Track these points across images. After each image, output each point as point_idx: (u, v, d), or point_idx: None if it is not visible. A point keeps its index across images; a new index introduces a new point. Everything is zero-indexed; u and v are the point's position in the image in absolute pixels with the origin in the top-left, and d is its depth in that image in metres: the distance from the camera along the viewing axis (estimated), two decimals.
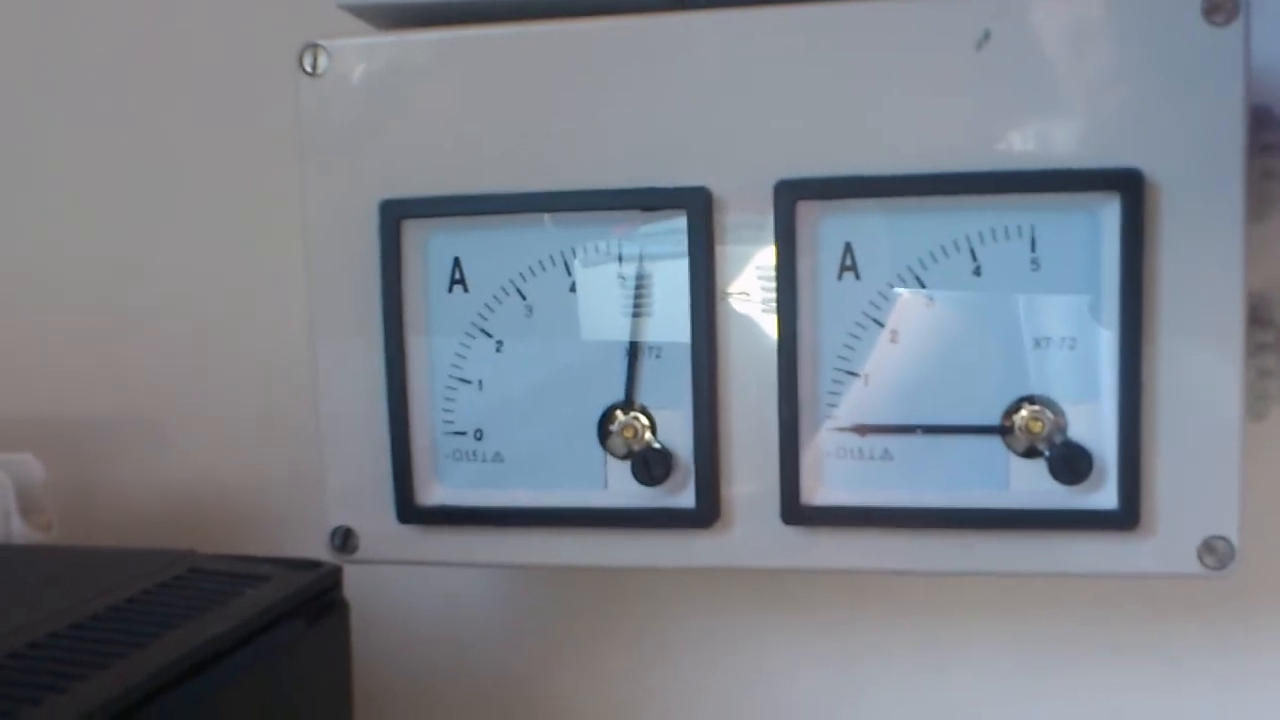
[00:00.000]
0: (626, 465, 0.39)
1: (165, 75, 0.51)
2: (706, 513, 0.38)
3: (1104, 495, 0.36)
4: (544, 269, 0.39)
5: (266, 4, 0.49)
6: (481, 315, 0.40)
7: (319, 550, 0.41)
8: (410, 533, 0.40)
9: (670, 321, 0.38)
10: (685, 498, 0.39)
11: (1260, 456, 0.42)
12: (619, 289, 0.39)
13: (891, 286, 0.37)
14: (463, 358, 0.40)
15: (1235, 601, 0.45)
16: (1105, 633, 0.46)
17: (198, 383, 0.52)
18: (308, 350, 0.41)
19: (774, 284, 0.37)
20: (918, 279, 0.37)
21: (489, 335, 0.40)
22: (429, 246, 0.40)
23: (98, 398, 0.53)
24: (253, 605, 0.35)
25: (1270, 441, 0.43)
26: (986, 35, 0.36)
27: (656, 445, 0.39)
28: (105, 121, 0.52)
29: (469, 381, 0.40)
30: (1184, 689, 0.46)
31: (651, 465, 0.38)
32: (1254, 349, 0.40)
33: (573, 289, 0.39)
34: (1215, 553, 0.36)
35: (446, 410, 0.40)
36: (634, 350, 0.39)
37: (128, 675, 0.30)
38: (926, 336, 0.37)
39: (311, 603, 0.37)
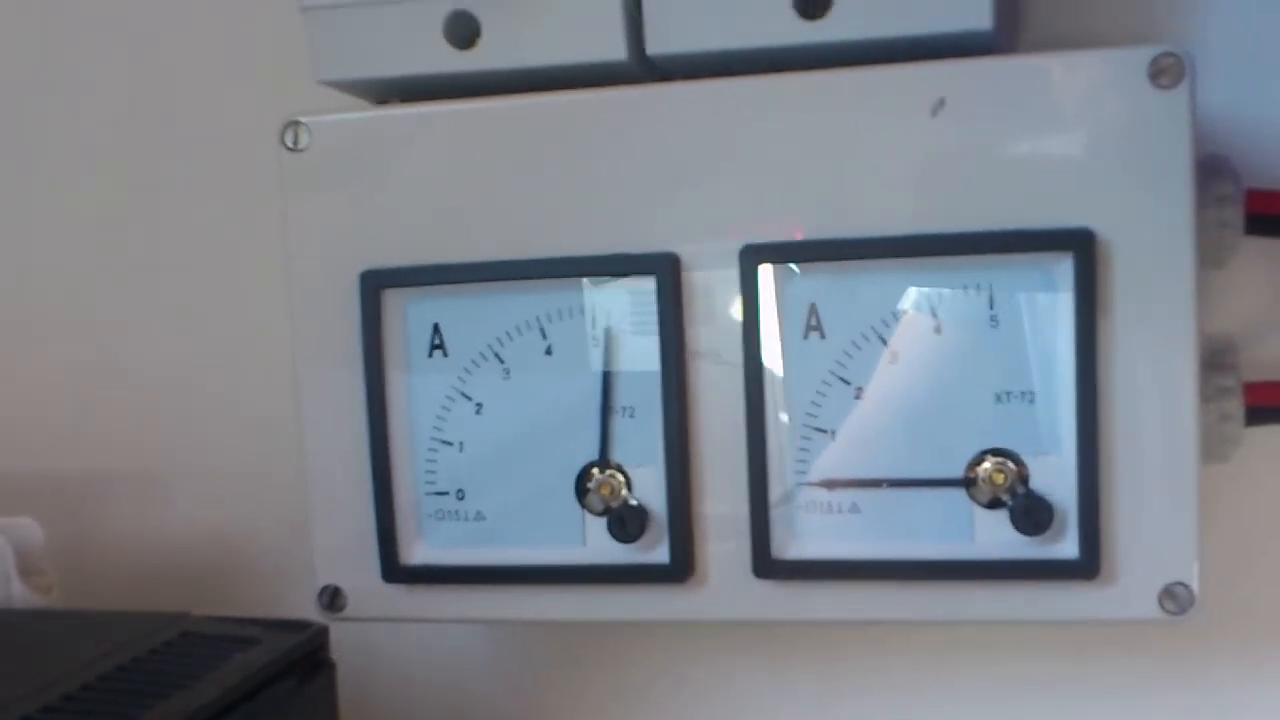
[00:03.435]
0: (604, 522, 0.40)
1: (159, 143, 0.53)
2: (680, 568, 0.39)
3: (1065, 545, 0.37)
4: (520, 333, 0.40)
5: (255, 80, 0.51)
6: (461, 379, 0.41)
7: (311, 602, 0.42)
8: (396, 591, 0.42)
9: (642, 382, 0.39)
10: (660, 553, 0.40)
11: (1225, 497, 0.44)
12: (592, 350, 0.40)
13: (856, 345, 0.38)
14: (443, 420, 0.41)
15: (1206, 642, 0.46)
16: (1082, 675, 0.47)
17: (191, 439, 0.53)
18: (295, 409, 0.42)
19: (742, 344, 0.38)
20: (881, 337, 0.38)
21: (468, 398, 0.41)
22: (409, 313, 0.41)
23: (91, 454, 0.54)
24: (241, 670, 0.36)
25: (1234, 483, 0.44)
26: (941, 102, 0.37)
27: (632, 502, 0.40)
28: (99, 187, 0.53)
29: (450, 443, 0.41)
30: None
31: (627, 522, 0.39)
32: (1216, 393, 0.41)
33: (548, 352, 0.40)
34: (1176, 599, 0.37)
35: (429, 471, 0.41)
36: (607, 410, 0.40)
37: None
38: (891, 393, 0.38)
39: (299, 663, 0.39)
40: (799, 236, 0.38)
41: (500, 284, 0.40)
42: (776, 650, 0.49)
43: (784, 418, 0.39)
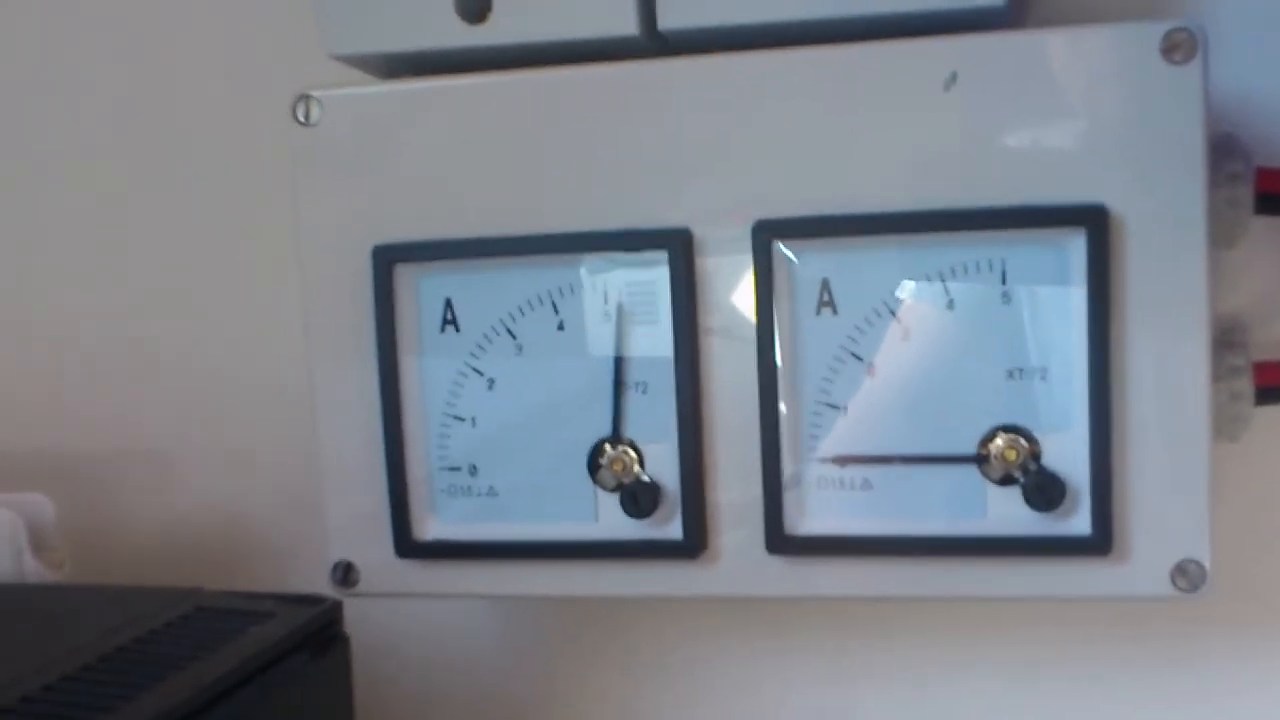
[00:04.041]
0: (617, 498, 0.40)
1: (167, 121, 0.53)
2: (694, 544, 0.39)
3: (1078, 521, 0.37)
4: (532, 308, 0.40)
5: (265, 55, 0.51)
6: (473, 354, 0.41)
7: (322, 576, 0.42)
8: (409, 566, 0.42)
9: (655, 357, 0.40)
10: (673, 529, 0.40)
11: (1237, 475, 0.44)
12: (604, 326, 0.40)
13: (868, 321, 0.38)
14: (456, 396, 0.41)
15: (1216, 618, 0.46)
16: (1093, 651, 0.47)
17: (202, 417, 0.53)
18: (307, 385, 0.42)
19: (754, 320, 0.38)
20: (893, 313, 0.38)
21: (480, 374, 0.41)
22: (421, 289, 0.41)
23: (104, 433, 0.54)
24: (256, 643, 0.36)
25: (1245, 461, 0.44)
26: (953, 77, 0.37)
27: (645, 478, 0.40)
28: (107, 163, 0.53)
29: (462, 419, 0.41)
30: (1173, 704, 0.47)
31: (640, 498, 0.39)
32: (1226, 372, 0.41)
33: (560, 327, 0.40)
34: (1188, 576, 0.37)
35: (441, 447, 0.41)
36: (619, 386, 0.40)
37: (135, 718, 0.31)
38: (903, 369, 0.38)
39: (313, 638, 0.39)
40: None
41: (512, 259, 0.40)
42: (789, 626, 0.49)
43: (796, 394, 0.39)
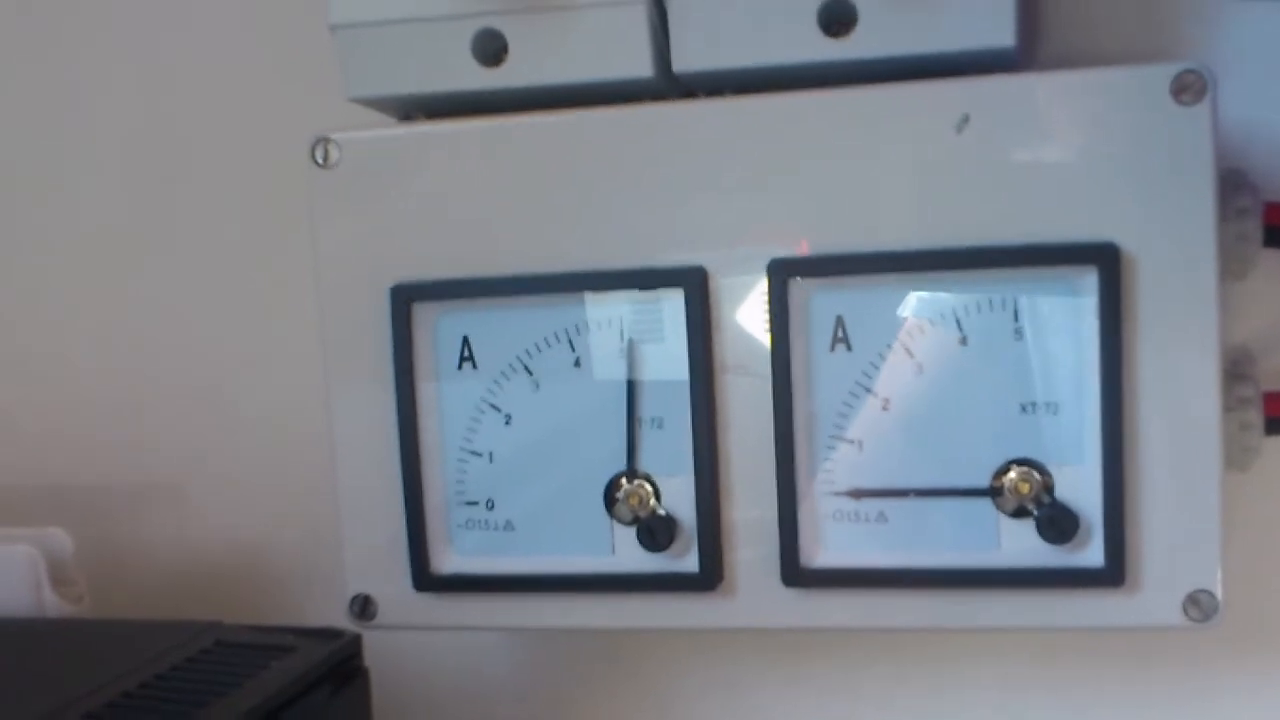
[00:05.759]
0: (633, 531, 0.40)
1: (187, 156, 0.53)
2: (710, 577, 0.40)
3: (1090, 553, 0.38)
4: (549, 345, 0.41)
5: (285, 95, 0.51)
6: (490, 391, 0.41)
7: (338, 609, 0.43)
8: (427, 599, 0.42)
9: (670, 393, 0.40)
10: (689, 562, 0.40)
11: (1246, 505, 0.44)
12: (619, 362, 0.40)
13: (882, 357, 0.39)
14: (473, 431, 0.42)
15: (1224, 649, 0.46)
16: (1101, 682, 0.48)
17: (218, 449, 0.54)
18: (324, 414, 0.42)
19: (769, 356, 0.39)
20: (907, 350, 0.39)
21: (498, 410, 0.41)
22: (438, 327, 0.41)
23: (121, 466, 0.54)
24: (277, 679, 0.37)
25: (1254, 491, 0.44)
26: (965, 119, 0.37)
27: (661, 512, 0.40)
28: (125, 198, 0.54)
29: (480, 454, 0.42)
30: None
31: (656, 532, 0.40)
32: (1235, 403, 0.41)
33: (577, 364, 0.41)
34: (1200, 606, 0.38)
35: (459, 482, 0.42)
36: (633, 421, 0.40)
37: None
38: (917, 403, 0.39)
39: (334, 672, 0.39)
40: (804, 250, 0.39)
41: (529, 298, 0.41)
42: (803, 655, 0.50)
43: (812, 428, 0.39)
